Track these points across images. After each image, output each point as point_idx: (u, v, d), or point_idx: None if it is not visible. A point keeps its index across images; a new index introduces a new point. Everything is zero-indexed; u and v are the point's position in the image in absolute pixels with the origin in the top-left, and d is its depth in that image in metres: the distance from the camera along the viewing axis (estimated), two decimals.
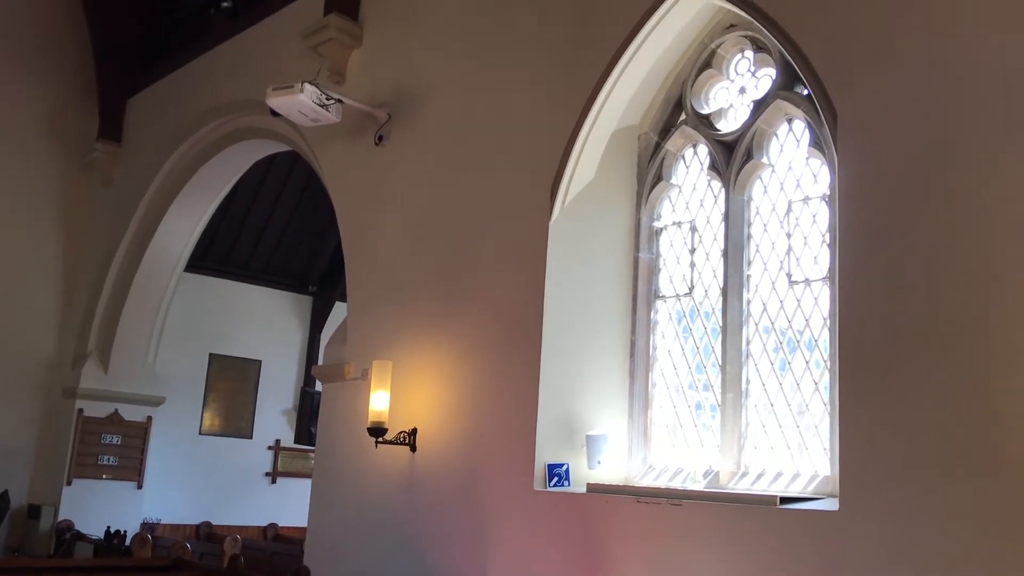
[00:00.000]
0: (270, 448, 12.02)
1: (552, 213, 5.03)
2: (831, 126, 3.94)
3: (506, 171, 5.33)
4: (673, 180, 5.08)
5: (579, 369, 4.94)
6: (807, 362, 4.29)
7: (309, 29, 6.75)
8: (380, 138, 6.19)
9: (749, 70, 4.78)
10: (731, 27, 4.77)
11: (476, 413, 5.19)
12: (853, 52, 3.90)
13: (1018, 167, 3.32)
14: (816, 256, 4.32)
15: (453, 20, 5.99)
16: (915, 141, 3.65)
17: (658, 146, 5.10)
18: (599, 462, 4.78)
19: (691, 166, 5.02)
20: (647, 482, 4.75)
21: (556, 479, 4.74)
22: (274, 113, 6.10)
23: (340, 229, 6.59)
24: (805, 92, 4.23)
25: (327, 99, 5.85)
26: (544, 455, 4.81)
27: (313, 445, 7.74)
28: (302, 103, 5.76)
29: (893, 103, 3.73)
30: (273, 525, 11.54)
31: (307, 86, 5.74)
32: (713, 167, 4.82)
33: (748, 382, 4.51)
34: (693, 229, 4.93)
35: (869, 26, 3.86)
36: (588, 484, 4.65)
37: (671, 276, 5.03)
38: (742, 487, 4.32)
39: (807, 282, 4.35)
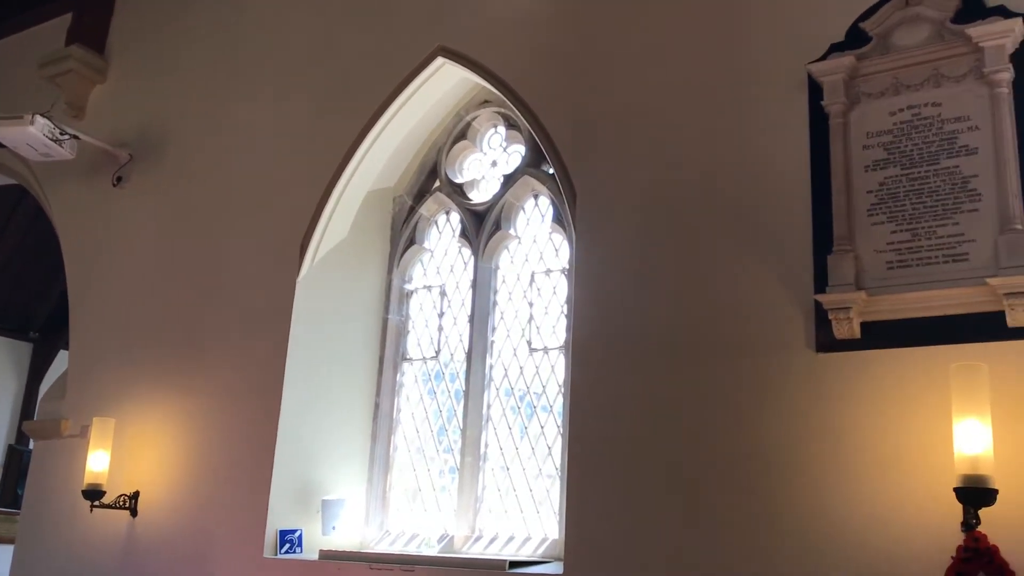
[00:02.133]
0: None
1: (301, 270, 4.93)
2: (571, 204, 4.16)
3: (254, 223, 5.18)
4: (426, 244, 5.15)
5: (320, 431, 4.81)
6: (542, 427, 4.44)
7: (48, 58, 6.28)
8: (119, 179, 5.83)
9: (501, 145, 4.97)
10: (486, 102, 4.96)
11: (207, 476, 4.90)
12: (593, 138, 4.17)
13: (742, 245, 3.66)
14: (555, 326, 4.51)
15: (207, 63, 5.80)
16: (644, 223, 3.92)
17: (412, 210, 5.16)
18: (334, 527, 4.65)
19: (443, 232, 5.11)
20: (382, 548, 4.68)
21: (288, 546, 4.56)
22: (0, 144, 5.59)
23: (67, 272, 6.09)
24: (550, 171, 4.45)
25: (61, 134, 5.44)
26: (277, 521, 4.61)
27: (19, 508, 6.97)
28: (31, 136, 5.31)
29: (625, 187, 4.01)
30: None
31: (38, 118, 5.31)
32: (464, 234, 4.94)
33: (487, 446, 4.59)
34: (443, 293, 5.00)
35: (608, 117, 4.14)
36: (321, 551, 4.50)
37: (419, 339, 5.05)
38: (475, 551, 4.35)
39: (546, 350, 4.52)
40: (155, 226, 5.66)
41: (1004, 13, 3.25)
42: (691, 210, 3.82)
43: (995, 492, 2.78)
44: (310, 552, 4.59)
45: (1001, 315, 3.05)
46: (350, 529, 4.75)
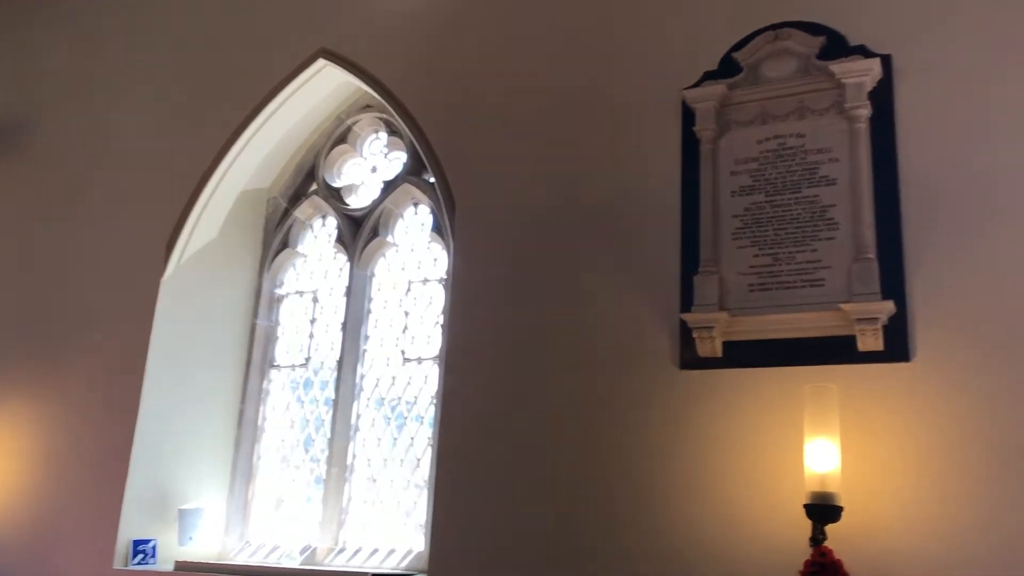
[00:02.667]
0: None
1: (166, 269, 4.75)
2: (450, 214, 4.16)
3: (118, 219, 4.96)
4: (300, 248, 5.04)
5: (180, 437, 4.63)
6: (412, 439, 4.39)
7: None
8: None
9: (382, 151, 4.92)
10: (367, 107, 4.90)
11: (56, 485, 4.64)
12: (474, 150, 4.18)
13: (614, 262, 3.72)
14: (429, 336, 4.48)
15: (79, 51, 5.54)
16: (521, 236, 3.95)
17: (287, 212, 5.04)
18: (191, 538, 4.48)
19: (318, 236, 5.02)
20: (242, 559, 4.53)
21: (141, 556, 4.36)
22: None
23: None
24: (431, 180, 4.43)
25: None
26: (131, 530, 4.41)
27: None
28: None
29: (504, 200, 4.04)
30: None
31: None
32: (340, 240, 4.85)
33: (354, 456, 4.51)
34: (315, 299, 4.90)
35: (489, 129, 4.17)
36: (176, 562, 4.33)
37: (288, 345, 4.93)
38: (338, 564, 4.27)
39: (419, 360, 4.48)
40: (12, 217, 5.35)
41: (865, 52, 3.43)
42: (566, 226, 3.87)
43: (841, 509, 2.90)
44: (165, 563, 4.41)
45: (852, 339, 3.20)
46: (208, 540, 4.58)
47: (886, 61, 3.40)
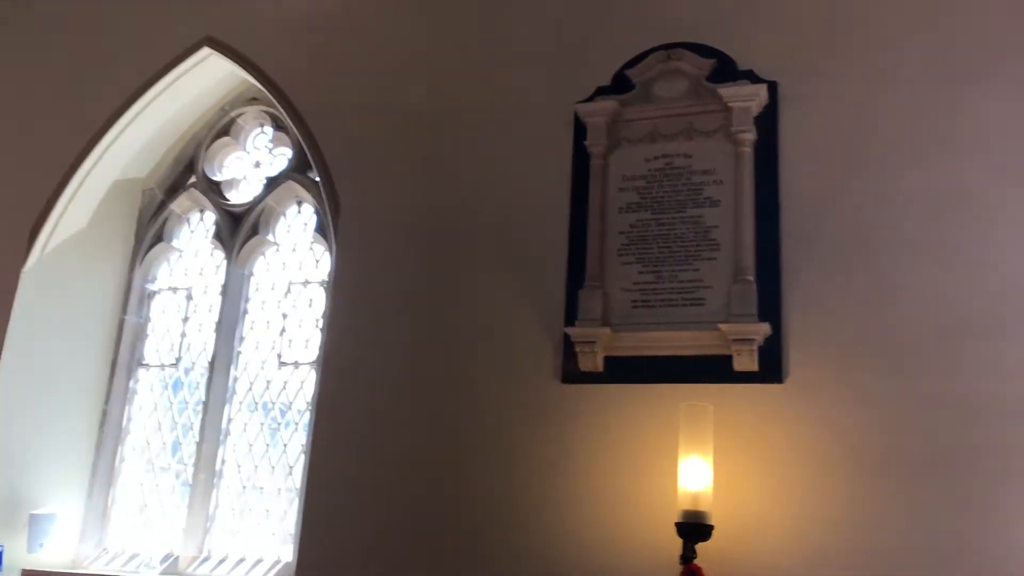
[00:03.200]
0: None
1: (28, 259, 4.47)
2: (334, 215, 4.05)
3: None
4: (174, 243, 4.82)
5: (35, 438, 4.36)
6: (285, 445, 4.25)
7: None
8: None
9: (266, 146, 4.76)
10: (254, 100, 4.73)
11: None
12: (363, 150, 4.09)
13: (501, 273, 3.68)
14: (308, 340, 4.35)
15: None
16: (407, 242, 3.89)
17: (163, 205, 4.82)
18: (42, 544, 4.22)
19: (195, 231, 4.81)
20: (98, 567, 4.28)
21: None
22: None
23: None
24: (316, 178, 4.30)
25: None
26: None
27: None
28: None
29: (391, 204, 3.96)
30: None
31: None
32: (218, 236, 4.66)
33: (224, 462, 4.34)
34: (189, 297, 4.69)
35: (379, 131, 4.09)
36: (24, 570, 4.07)
37: (158, 344, 4.71)
38: (201, 573, 4.09)
39: (296, 364, 4.35)
40: None
41: (752, 78, 3.49)
42: (454, 234, 3.82)
43: (711, 527, 2.94)
44: (11, 571, 4.13)
45: (729, 359, 3.25)
46: (62, 546, 4.32)
47: (772, 88, 3.48)
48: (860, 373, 3.15)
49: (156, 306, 4.77)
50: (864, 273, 3.24)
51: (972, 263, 3.13)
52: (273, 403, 4.36)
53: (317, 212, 4.46)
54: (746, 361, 3.22)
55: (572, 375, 3.43)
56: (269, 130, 4.76)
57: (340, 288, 3.99)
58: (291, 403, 4.31)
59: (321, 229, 4.41)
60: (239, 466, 4.31)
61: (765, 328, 3.22)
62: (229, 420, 4.40)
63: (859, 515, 3.02)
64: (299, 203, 4.60)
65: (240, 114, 4.78)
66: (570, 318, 3.46)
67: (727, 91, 3.46)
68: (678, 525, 2.94)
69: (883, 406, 3.10)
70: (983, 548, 2.88)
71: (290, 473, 4.20)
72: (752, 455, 3.15)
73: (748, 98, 3.44)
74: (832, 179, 3.37)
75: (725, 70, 3.56)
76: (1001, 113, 3.23)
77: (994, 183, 3.18)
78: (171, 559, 4.19)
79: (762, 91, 3.45)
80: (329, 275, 4.24)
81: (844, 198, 3.34)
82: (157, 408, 4.60)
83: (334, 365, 3.88)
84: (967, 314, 3.09)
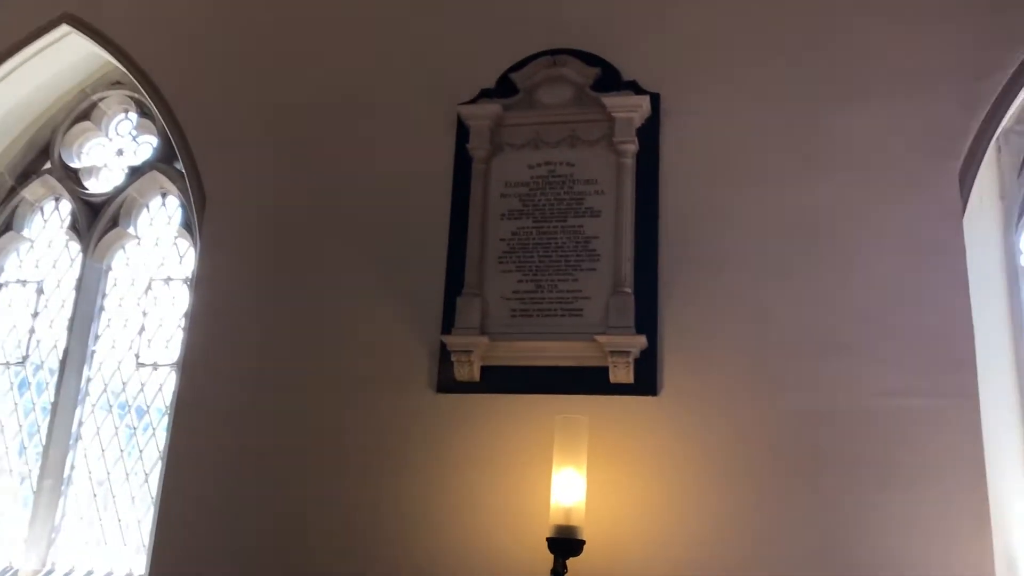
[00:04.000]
0: None
1: None
2: (199, 209, 3.85)
3: None
4: (25, 232, 4.48)
5: None
6: (141, 451, 4.01)
7: None
8: None
9: (130, 133, 4.48)
10: (117, 84, 4.45)
11: None
12: (231, 142, 3.91)
13: (377, 277, 3.56)
14: (169, 340, 4.12)
15: None
16: (277, 240, 3.73)
17: (13, 191, 4.47)
18: None
19: (49, 221, 4.49)
20: None
21: None
22: None
23: None
24: (183, 170, 4.07)
25: None
26: None
27: None
28: None
29: (260, 200, 3.80)
30: None
31: None
32: (74, 227, 4.36)
33: (73, 467, 4.06)
34: (40, 291, 4.37)
35: (251, 123, 3.91)
36: None
37: (3, 340, 4.37)
38: None
39: (155, 365, 4.11)
40: None
41: (636, 89, 3.49)
42: (328, 234, 3.69)
43: (582, 543, 2.90)
44: None
45: (606, 370, 3.23)
46: None
47: (655, 100, 3.49)
48: (730, 387, 3.19)
49: (3, 299, 4.42)
50: (736, 288, 3.28)
51: (834, 280, 3.21)
52: (129, 406, 4.11)
53: (183, 205, 4.22)
54: (622, 373, 3.21)
55: (448, 385, 3.34)
56: (134, 116, 4.48)
57: (204, 286, 3.79)
58: (149, 406, 4.07)
59: (186, 223, 4.18)
60: (90, 472, 4.04)
61: (641, 340, 3.22)
62: (80, 423, 4.12)
63: (729, 527, 3.05)
64: (164, 195, 4.36)
65: (102, 98, 4.48)
66: (447, 326, 3.38)
67: (611, 101, 3.44)
68: (549, 540, 2.90)
69: (751, 419, 3.14)
70: (849, 555, 2.95)
71: (146, 480, 3.97)
72: (626, 468, 3.14)
73: (631, 109, 3.43)
74: (709, 193, 3.40)
75: (609, 80, 3.54)
76: (866, 133, 3.32)
77: (856, 202, 3.26)
78: (10, 572, 3.89)
79: (645, 102, 3.45)
80: (193, 272, 4.02)
81: (719, 213, 3.37)
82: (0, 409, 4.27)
83: (195, 367, 3.69)
84: (828, 330, 3.17)
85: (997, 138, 3.37)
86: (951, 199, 3.22)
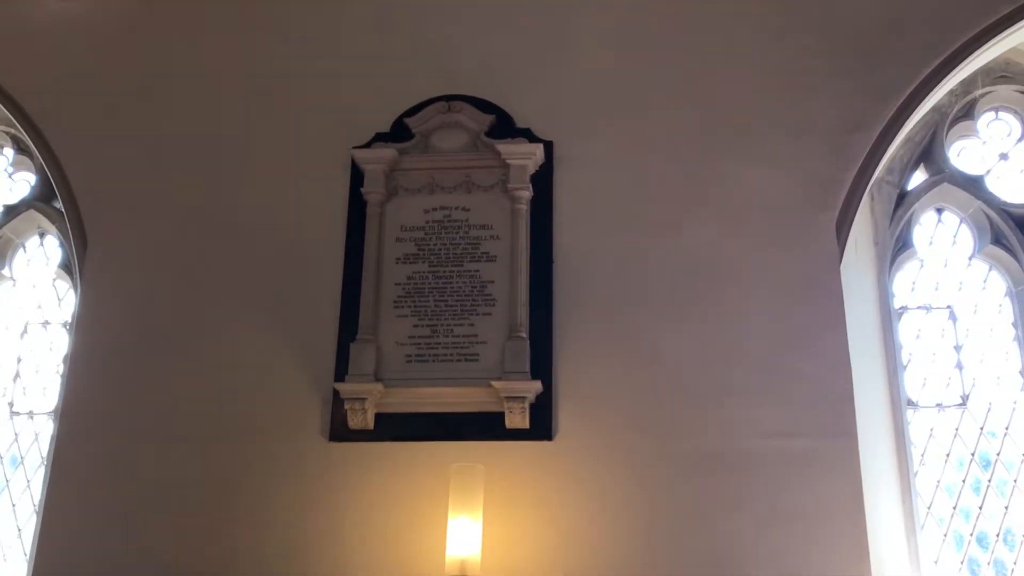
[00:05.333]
0: None
1: None
2: (80, 249, 3.72)
3: None
4: None
5: None
6: (15, 505, 3.81)
7: None
8: None
9: (6, 169, 4.28)
10: None
11: None
12: (114, 180, 3.79)
13: (267, 321, 3.48)
14: (46, 387, 3.93)
15: None
16: (162, 283, 3.64)
17: None
18: None
19: None
20: None
21: None
22: None
23: None
24: (63, 208, 3.90)
25: None
26: None
27: None
28: None
29: (145, 240, 3.70)
30: None
31: None
32: None
33: None
34: None
35: (134, 161, 3.80)
36: None
37: None
38: None
39: (31, 414, 3.92)
40: None
41: (530, 137, 3.55)
42: (217, 276, 3.61)
43: None
44: None
45: (502, 416, 3.24)
46: None
47: (548, 147, 3.55)
48: (622, 430, 3.25)
49: None
50: (627, 332, 3.36)
51: (721, 324, 3.33)
52: (2, 457, 3.90)
53: (62, 245, 4.05)
54: (518, 419, 3.23)
55: (340, 433, 3.30)
56: (10, 153, 4.29)
57: (86, 329, 3.64)
58: (23, 458, 3.87)
59: (66, 264, 4.02)
60: None
61: (537, 386, 3.25)
62: None
63: (625, 569, 3.09)
64: (42, 235, 4.18)
65: None
66: (340, 372, 3.33)
67: (505, 148, 3.48)
68: None
69: (643, 462, 3.20)
70: None
71: (19, 535, 3.76)
72: (523, 513, 3.16)
73: (526, 156, 3.48)
74: (601, 239, 3.48)
75: (503, 127, 3.59)
76: (748, 183, 3.46)
77: (740, 249, 3.40)
78: None
79: (539, 150, 3.51)
80: (73, 315, 3.86)
81: (611, 258, 3.45)
82: None
83: (76, 415, 3.54)
84: (716, 373, 3.27)
85: (870, 188, 3.55)
86: (829, 246, 3.37)
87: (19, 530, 3.77)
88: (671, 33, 3.69)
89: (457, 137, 3.60)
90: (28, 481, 3.83)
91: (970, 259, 3.73)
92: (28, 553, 3.66)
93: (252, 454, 3.33)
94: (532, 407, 3.25)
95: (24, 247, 4.18)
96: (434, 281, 3.43)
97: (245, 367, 3.45)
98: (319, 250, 3.54)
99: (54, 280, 4.09)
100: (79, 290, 3.75)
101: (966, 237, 3.75)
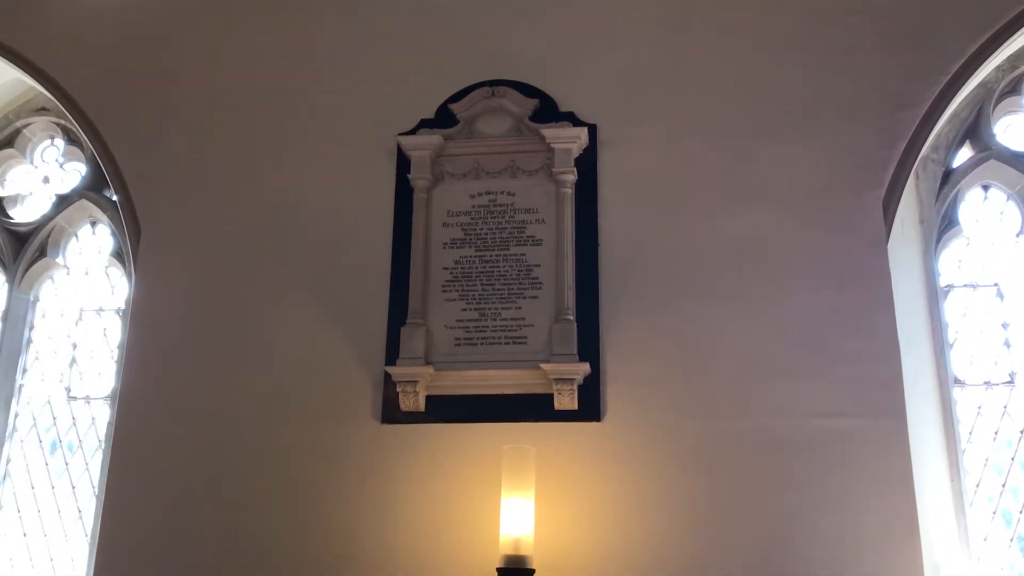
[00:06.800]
0: None
1: None
2: (133, 238, 3.79)
3: None
4: None
5: None
6: (74, 487, 3.91)
7: None
8: None
9: (57, 160, 4.37)
10: (43, 110, 4.34)
11: None
12: (166, 169, 3.85)
13: (319, 306, 3.54)
14: (101, 372, 4.02)
15: None
16: (214, 269, 3.69)
17: None
18: None
19: None
20: None
21: None
22: None
23: None
24: (114, 197, 3.99)
25: None
26: None
27: None
28: None
29: (197, 228, 3.76)
30: None
31: None
32: None
33: (1, 507, 3.93)
34: None
35: (185, 150, 3.87)
36: None
37: None
38: None
39: (88, 399, 4.01)
40: None
41: (574, 120, 3.56)
42: (268, 263, 3.66)
43: (532, 572, 2.93)
44: None
45: (550, 397, 3.28)
46: None
47: (592, 130, 3.56)
48: (670, 411, 3.27)
49: None
50: (673, 314, 3.37)
51: (768, 306, 3.33)
52: (60, 441, 4.00)
53: (114, 234, 4.14)
54: (566, 400, 3.26)
55: (392, 415, 3.35)
56: (61, 143, 4.38)
57: (140, 316, 3.72)
58: (81, 441, 3.97)
59: (118, 252, 4.10)
60: (19, 511, 3.92)
61: (585, 367, 3.28)
62: (8, 460, 4.00)
63: (671, 548, 3.12)
64: (93, 223, 4.26)
65: (27, 124, 4.37)
66: (391, 356, 3.38)
67: (550, 132, 3.50)
68: (499, 571, 2.92)
69: (691, 442, 3.23)
70: (785, 571, 3.06)
71: (79, 517, 3.87)
72: (573, 494, 3.20)
73: (570, 140, 3.50)
74: (646, 222, 3.48)
75: (547, 111, 3.60)
76: (795, 164, 3.45)
77: (787, 230, 3.38)
78: None
79: (583, 133, 3.52)
80: (127, 302, 3.95)
81: (657, 241, 3.46)
82: None
83: (132, 399, 3.61)
84: (763, 354, 3.28)
85: (916, 166, 3.53)
86: (876, 226, 3.36)
87: (79, 511, 3.88)
88: (714, 14, 3.67)
89: (501, 122, 3.62)
90: (87, 464, 3.94)
91: (1017, 236, 3.69)
92: (88, 534, 3.77)
93: (306, 437, 3.39)
94: (580, 388, 3.28)
95: (77, 236, 4.26)
96: (481, 265, 3.47)
97: (297, 351, 3.51)
98: (368, 236, 3.58)
99: (106, 268, 4.17)
100: (133, 277, 3.82)
101: (1013, 214, 3.71)
